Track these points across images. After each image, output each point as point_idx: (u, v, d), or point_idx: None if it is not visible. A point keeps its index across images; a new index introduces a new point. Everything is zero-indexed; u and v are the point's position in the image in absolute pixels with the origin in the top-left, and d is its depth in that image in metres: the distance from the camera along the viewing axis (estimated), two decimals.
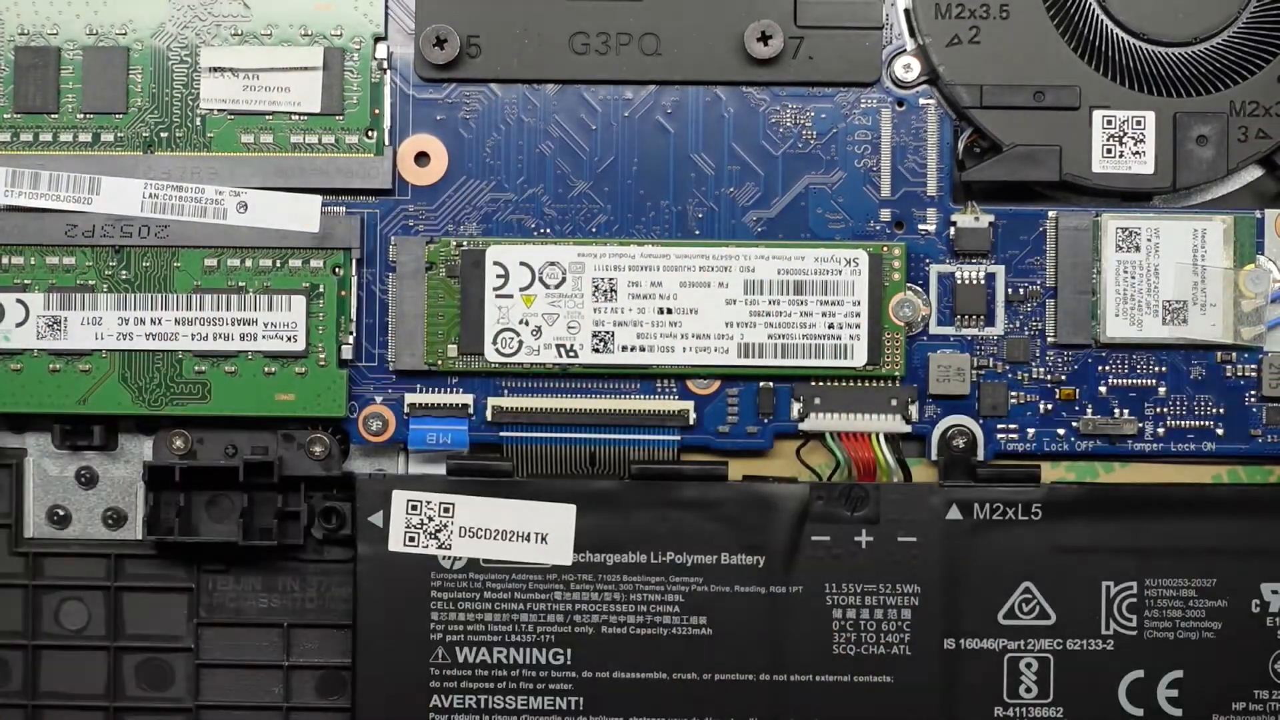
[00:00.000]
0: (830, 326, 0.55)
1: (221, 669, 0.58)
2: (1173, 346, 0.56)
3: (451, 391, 0.56)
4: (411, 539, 0.55)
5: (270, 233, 0.56)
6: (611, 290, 0.55)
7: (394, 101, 0.56)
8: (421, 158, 0.56)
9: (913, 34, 0.56)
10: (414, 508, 0.55)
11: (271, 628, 0.58)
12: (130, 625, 0.58)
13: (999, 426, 0.56)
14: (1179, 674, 0.55)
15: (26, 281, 0.56)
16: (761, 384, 0.56)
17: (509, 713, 0.55)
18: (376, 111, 0.56)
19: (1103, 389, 0.56)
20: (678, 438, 0.56)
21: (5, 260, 0.56)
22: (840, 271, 0.55)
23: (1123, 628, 0.55)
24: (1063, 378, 0.56)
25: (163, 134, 0.56)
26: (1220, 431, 0.56)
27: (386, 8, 0.56)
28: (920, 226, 0.56)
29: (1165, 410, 0.56)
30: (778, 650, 0.54)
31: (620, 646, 0.55)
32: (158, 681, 0.58)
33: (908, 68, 0.56)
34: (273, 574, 0.58)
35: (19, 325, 0.56)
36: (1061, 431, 0.56)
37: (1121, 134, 0.55)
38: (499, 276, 0.55)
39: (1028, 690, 0.55)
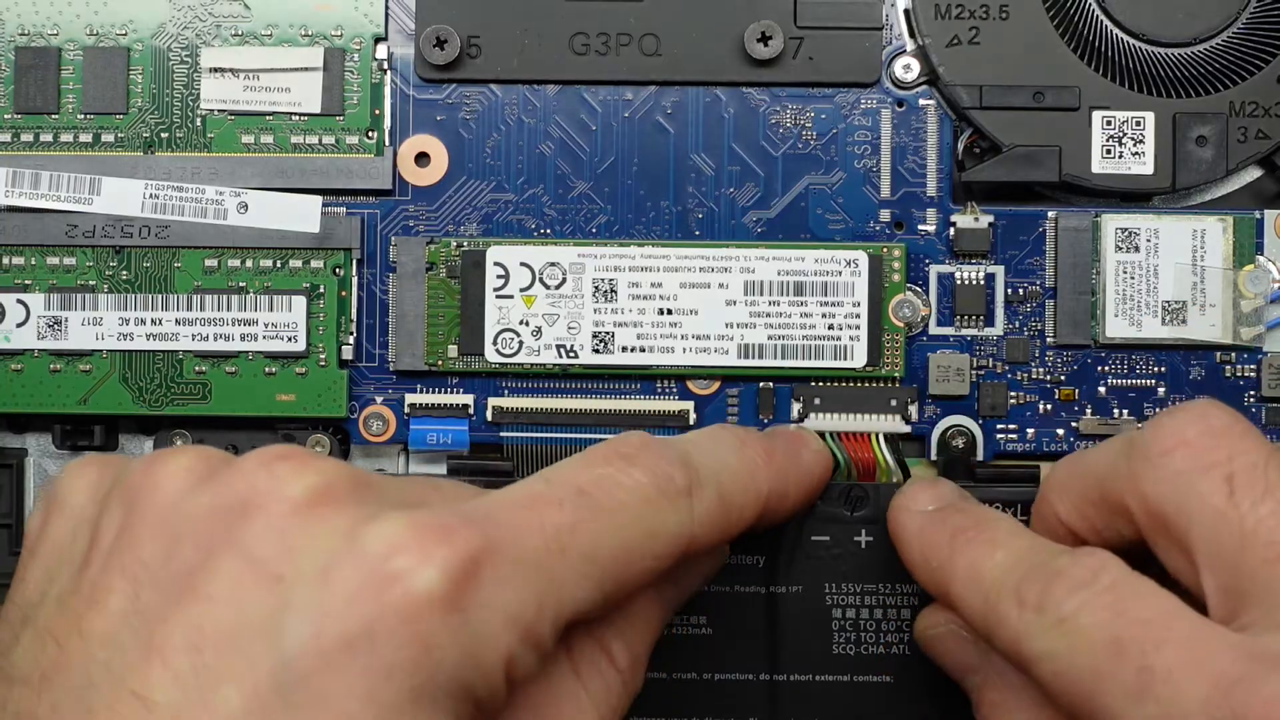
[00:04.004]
0: (830, 327, 0.55)
1: None
2: (1172, 347, 0.56)
3: (452, 392, 0.56)
4: None
5: (271, 233, 0.56)
6: (612, 291, 0.55)
7: (394, 102, 0.56)
8: (422, 158, 0.56)
9: (912, 34, 0.56)
10: None
11: None
12: None
13: (998, 427, 0.56)
14: None
15: (27, 282, 0.56)
16: (761, 384, 0.56)
17: None
18: (377, 112, 0.56)
19: (1102, 389, 0.56)
20: None
21: (6, 261, 0.56)
22: (840, 272, 0.55)
23: None
24: (1062, 378, 0.56)
25: (163, 134, 0.56)
26: None
27: (386, 8, 0.56)
28: (920, 227, 0.56)
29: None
30: (777, 650, 0.54)
31: None
32: None
33: (908, 68, 0.56)
34: None
35: (20, 326, 0.56)
36: (1061, 432, 0.56)
37: (1121, 134, 0.55)
38: (499, 277, 0.55)
39: None
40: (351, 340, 0.56)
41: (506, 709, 0.40)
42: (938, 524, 0.47)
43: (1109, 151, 0.55)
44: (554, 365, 0.56)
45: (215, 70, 0.56)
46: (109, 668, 0.37)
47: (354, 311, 0.56)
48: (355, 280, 0.56)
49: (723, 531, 0.45)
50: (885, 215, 0.56)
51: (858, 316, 0.55)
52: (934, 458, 0.56)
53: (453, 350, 0.56)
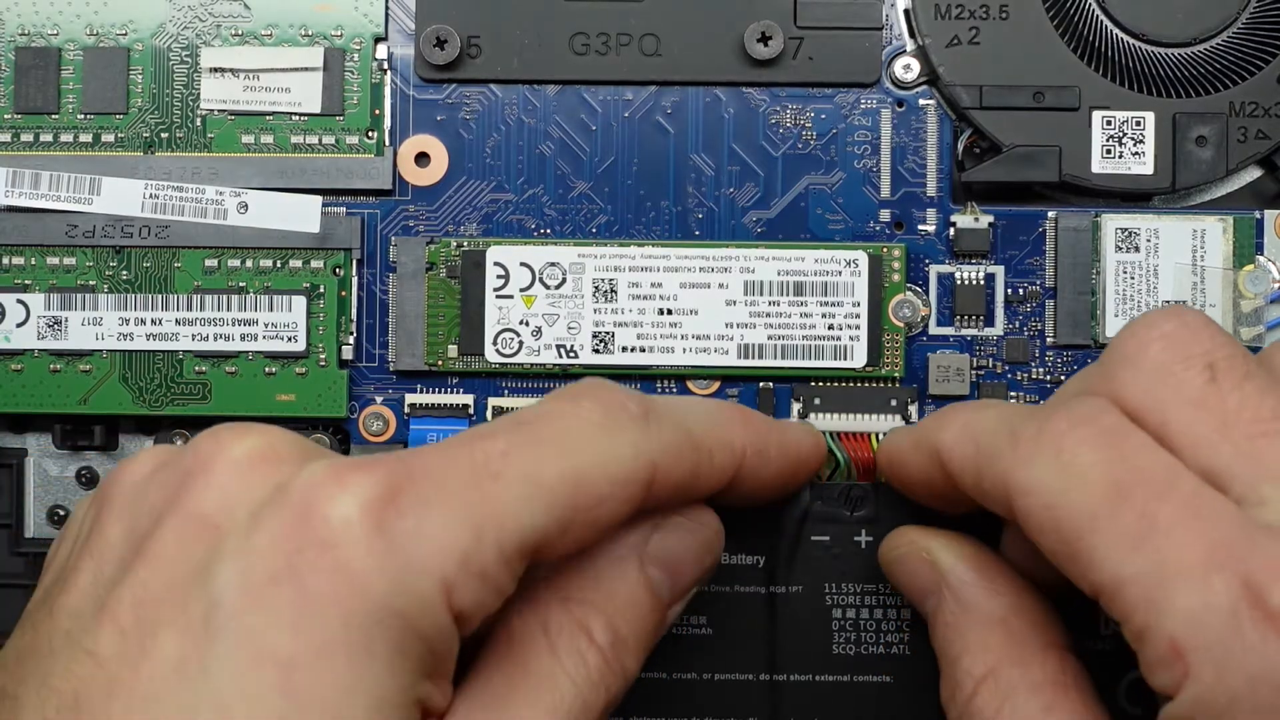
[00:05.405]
0: (830, 327, 0.55)
1: None
2: None
3: (452, 392, 0.56)
4: None
5: (271, 233, 0.56)
6: (612, 291, 0.55)
7: (394, 102, 0.56)
8: (422, 158, 0.56)
9: (912, 35, 0.56)
10: None
11: None
12: None
13: None
14: None
15: (27, 282, 0.56)
16: (761, 385, 0.56)
17: None
18: (377, 112, 0.56)
19: None
20: None
21: (6, 261, 0.56)
22: (840, 272, 0.55)
23: None
24: (1062, 378, 0.56)
25: (163, 134, 0.56)
26: None
27: (386, 8, 0.56)
28: (920, 227, 0.56)
29: None
30: (777, 650, 0.54)
31: None
32: None
33: (907, 68, 0.56)
34: None
35: (20, 326, 0.56)
36: None
37: (1121, 134, 0.55)
38: (499, 277, 0.55)
39: None
40: (351, 340, 0.56)
41: (480, 680, 0.40)
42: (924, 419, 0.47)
43: (1109, 151, 0.55)
44: (554, 365, 0.56)
45: (215, 70, 0.56)
46: (69, 635, 0.38)
47: (354, 311, 0.56)
48: (355, 280, 0.56)
49: (693, 467, 0.43)
50: (885, 215, 0.56)
51: (858, 316, 0.55)
52: None
53: (453, 350, 0.56)
